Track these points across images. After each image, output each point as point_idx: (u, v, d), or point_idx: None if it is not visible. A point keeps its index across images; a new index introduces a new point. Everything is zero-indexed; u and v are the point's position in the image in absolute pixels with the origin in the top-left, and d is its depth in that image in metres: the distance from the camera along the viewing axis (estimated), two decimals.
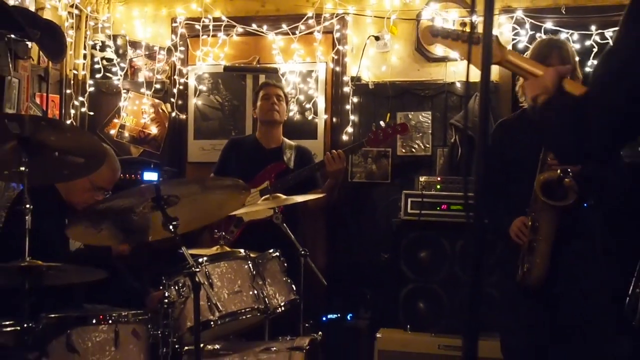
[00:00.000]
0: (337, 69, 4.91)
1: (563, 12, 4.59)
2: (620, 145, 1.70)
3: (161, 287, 2.85)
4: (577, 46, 4.42)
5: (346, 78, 4.88)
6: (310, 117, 4.92)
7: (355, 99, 4.85)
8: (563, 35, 4.39)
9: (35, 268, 2.46)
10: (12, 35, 3.91)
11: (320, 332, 3.15)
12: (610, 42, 4.43)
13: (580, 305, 2.93)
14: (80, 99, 5.00)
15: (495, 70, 4.70)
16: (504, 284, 3.17)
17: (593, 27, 4.50)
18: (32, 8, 4.35)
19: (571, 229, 2.88)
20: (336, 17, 4.86)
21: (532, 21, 4.57)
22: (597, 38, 4.47)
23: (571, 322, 2.94)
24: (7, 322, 2.53)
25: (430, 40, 2.42)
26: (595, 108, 1.61)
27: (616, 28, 4.41)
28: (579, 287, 2.92)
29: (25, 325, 2.44)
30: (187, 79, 5.09)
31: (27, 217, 2.47)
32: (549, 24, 4.54)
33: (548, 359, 3.04)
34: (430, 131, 4.77)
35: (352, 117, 4.84)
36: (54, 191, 3.16)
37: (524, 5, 4.65)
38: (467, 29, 2.19)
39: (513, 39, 4.63)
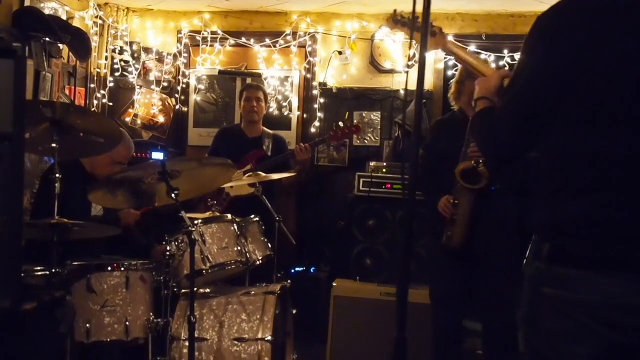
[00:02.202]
0: (308, 75, 4.85)
1: (483, 38, 4.60)
2: (521, 152, 1.62)
3: (164, 242, 2.82)
4: (493, 65, 4.45)
5: (315, 83, 4.83)
6: (286, 113, 4.87)
7: (321, 100, 4.80)
8: (482, 56, 4.39)
9: (62, 225, 2.41)
10: (47, 38, 3.78)
11: (289, 281, 3.15)
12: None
13: (491, 264, 2.93)
14: (102, 92, 4.86)
15: (429, 81, 4.71)
16: (432, 245, 3.16)
17: (505, 51, 4.52)
18: (64, 17, 4.22)
19: (484, 206, 2.88)
20: (308, 35, 4.80)
21: (460, 44, 4.56)
22: (509, 59, 4.50)
23: (484, 274, 2.95)
24: (39, 268, 2.50)
25: (392, 26, 2.32)
26: (501, 122, 1.54)
27: None
28: (490, 250, 2.92)
29: (53, 270, 2.40)
30: (188, 79, 4.99)
31: (56, 185, 2.42)
32: (472, 47, 4.55)
33: (463, 304, 3.05)
34: (379, 127, 4.76)
35: (319, 114, 4.80)
36: (79, 165, 3.10)
37: (454, 31, 4.64)
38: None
39: (444, 58, 4.63)
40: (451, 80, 3.26)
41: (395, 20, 2.22)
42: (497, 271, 2.92)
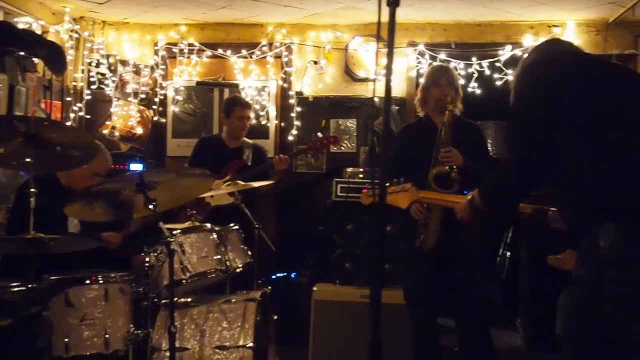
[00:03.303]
0: (285, 85, 4.81)
1: (453, 47, 4.63)
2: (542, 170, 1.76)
3: (143, 254, 2.74)
4: (462, 72, 4.47)
5: (292, 92, 4.79)
6: (264, 122, 4.82)
7: (298, 109, 4.77)
8: (452, 64, 4.40)
9: (38, 239, 2.33)
10: (22, 53, 3.68)
11: (269, 287, 3.10)
12: (486, 70, 4.50)
13: (463, 264, 2.96)
14: (79, 105, 4.75)
15: (402, 89, 4.71)
16: (407, 248, 3.14)
17: (474, 59, 4.55)
18: (39, 31, 4.13)
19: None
20: (284, 45, 4.77)
21: (430, 53, 4.59)
22: (477, 67, 4.53)
23: (455, 273, 2.97)
24: (15, 283, 2.41)
25: (367, 201, 2.53)
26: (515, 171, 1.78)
27: (491, 59, 4.53)
28: (462, 251, 2.94)
29: (29, 285, 2.32)
30: (166, 90, 4.92)
31: (31, 199, 2.34)
32: (442, 55, 4.57)
33: (438, 306, 3.06)
34: (355, 134, 4.75)
35: (296, 122, 4.76)
36: (55, 179, 3.01)
37: (425, 40, 4.66)
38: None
39: (416, 66, 4.63)
40: (418, 89, 3.27)
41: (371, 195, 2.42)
42: (467, 271, 2.94)
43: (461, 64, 4.52)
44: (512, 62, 4.51)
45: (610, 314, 1.46)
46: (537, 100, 1.74)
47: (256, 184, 3.47)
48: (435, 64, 4.09)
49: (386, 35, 1.42)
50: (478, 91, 4.54)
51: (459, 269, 2.95)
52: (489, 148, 4.36)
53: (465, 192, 2.87)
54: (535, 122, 1.72)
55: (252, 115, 4.12)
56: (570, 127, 1.67)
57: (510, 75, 4.51)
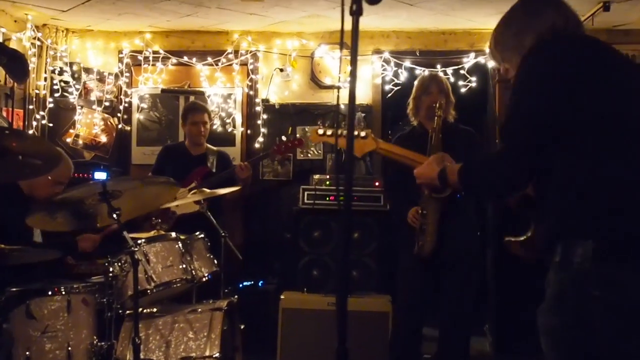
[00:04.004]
0: (251, 92, 4.83)
1: (417, 54, 4.71)
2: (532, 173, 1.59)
3: (106, 264, 2.71)
4: None
5: (258, 100, 4.81)
6: (230, 129, 4.82)
7: (264, 116, 4.79)
8: (417, 72, 4.47)
9: None
10: None
11: (236, 296, 3.11)
12: (451, 77, 4.59)
13: (456, 266, 2.99)
14: (42, 113, 4.68)
15: (368, 96, 4.77)
16: (403, 255, 3.13)
17: (438, 66, 4.62)
18: (0, 39, 4.05)
19: (451, 214, 2.92)
20: (250, 53, 4.78)
21: (396, 60, 4.67)
22: (441, 74, 4.57)
23: (449, 280, 3.00)
24: None
25: (317, 139, 2.39)
26: (511, 149, 1.57)
27: (455, 67, 4.61)
28: (455, 254, 2.97)
29: None
30: (131, 98, 4.88)
31: None
32: (407, 63, 4.64)
33: (426, 310, 3.09)
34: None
35: (262, 130, 4.78)
36: (16, 188, 2.96)
37: (390, 48, 4.73)
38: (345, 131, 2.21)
39: (382, 73, 4.69)
40: (409, 99, 3.26)
41: (321, 134, 2.28)
42: (457, 278, 2.97)
43: (426, 71, 4.57)
44: (475, 69, 4.63)
45: (601, 333, 1.40)
46: (548, 87, 1.51)
47: (221, 191, 3.47)
48: (424, 73, 4.10)
49: (351, 42, 1.45)
50: None
51: (454, 272, 2.98)
52: None
53: (458, 196, 2.93)
54: (542, 113, 1.51)
55: (208, 119, 4.06)
56: (580, 125, 1.48)
57: (474, 82, 4.62)
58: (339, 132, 2.21)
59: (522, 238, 1.77)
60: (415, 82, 3.31)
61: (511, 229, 1.85)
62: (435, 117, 2.99)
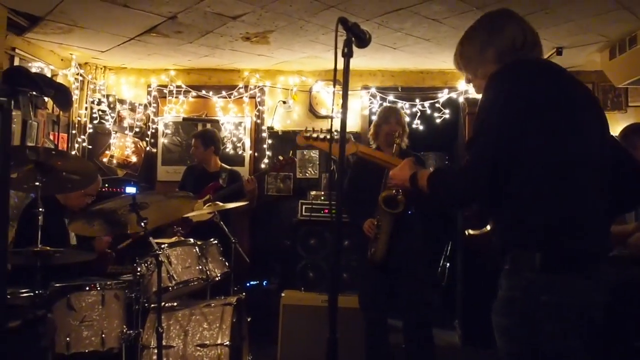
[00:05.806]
0: (258, 121, 4.90)
1: (399, 90, 4.76)
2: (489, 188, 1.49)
3: (135, 265, 2.76)
4: (408, 112, 4.57)
5: (264, 127, 4.87)
6: (240, 152, 4.89)
7: (269, 141, 4.85)
8: (399, 105, 4.53)
9: (44, 252, 2.35)
10: (33, 92, 3.69)
11: (244, 293, 3.13)
12: (428, 109, 4.67)
13: (407, 274, 2.98)
14: (82, 137, 4.76)
15: (357, 124, 4.84)
16: (360, 260, 3.16)
17: (417, 100, 4.66)
18: (49, 74, 4.15)
19: (401, 227, 2.94)
20: (258, 88, 4.86)
21: (381, 95, 4.73)
22: (420, 107, 4.65)
23: (401, 281, 2.99)
24: (24, 290, 2.40)
25: (302, 142, 2.26)
26: (477, 162, 1.50)
27: (431, 101, 4.67)
28: (407, 263, 2.97)
29: (36, 292, 2.32)
30: (157, 125, 4.96)
31: (39, 217, 2.36)
32: (391, 97, 4.70)
33: (386, 305, 3.07)
34: (317, 162, 4.83)
35: (267, 152, 4.84)
36: (54, 198, 3.02)
37: (376, 84, 4.79)
38: (327, 135, 2.11)
39: (369, 105, 4.75)
40: (371, 125, 3.32)
41: (307, 137, 2.14)
42: (411, 278, 2.98)
43: (407, 105, 4.64)
44: (448, 103, 4.67)
45: (545, 332, 1.39)
46: (511, 109, 1.45)
47: (232, 205, 3.52)
48: (385, 105, 4.17)
49: (343, 79, 1.48)
50: (421, 127, 4.66)
51: (404, 277, 2.97)
52: None
53: (409, 212, 2.97)
54: (502, 132, 1.44)
55: (198, 144, 4.08)
56: (534, 148, 1.43)
57: (448, 114, 4.70)
58: (323, 136, 2.10)
59: (479, 232, 1.75)
60: (377, 112, 3.32)
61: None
62: (395, 145, 3.00)
